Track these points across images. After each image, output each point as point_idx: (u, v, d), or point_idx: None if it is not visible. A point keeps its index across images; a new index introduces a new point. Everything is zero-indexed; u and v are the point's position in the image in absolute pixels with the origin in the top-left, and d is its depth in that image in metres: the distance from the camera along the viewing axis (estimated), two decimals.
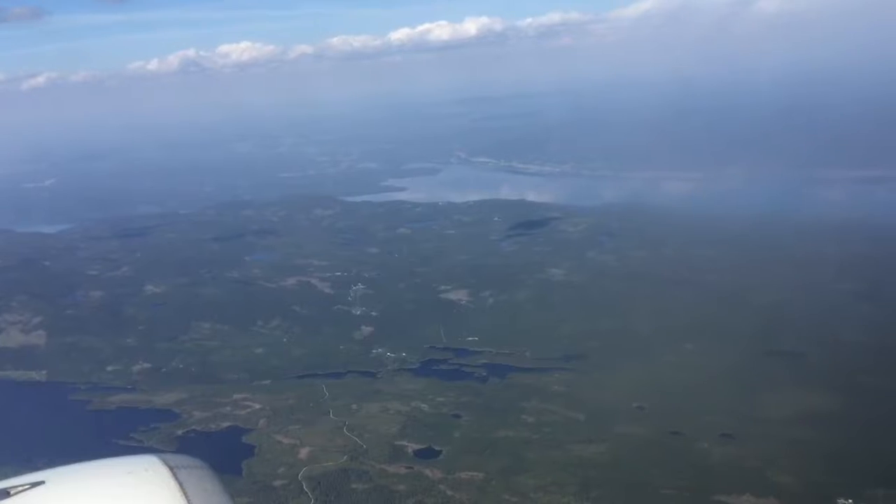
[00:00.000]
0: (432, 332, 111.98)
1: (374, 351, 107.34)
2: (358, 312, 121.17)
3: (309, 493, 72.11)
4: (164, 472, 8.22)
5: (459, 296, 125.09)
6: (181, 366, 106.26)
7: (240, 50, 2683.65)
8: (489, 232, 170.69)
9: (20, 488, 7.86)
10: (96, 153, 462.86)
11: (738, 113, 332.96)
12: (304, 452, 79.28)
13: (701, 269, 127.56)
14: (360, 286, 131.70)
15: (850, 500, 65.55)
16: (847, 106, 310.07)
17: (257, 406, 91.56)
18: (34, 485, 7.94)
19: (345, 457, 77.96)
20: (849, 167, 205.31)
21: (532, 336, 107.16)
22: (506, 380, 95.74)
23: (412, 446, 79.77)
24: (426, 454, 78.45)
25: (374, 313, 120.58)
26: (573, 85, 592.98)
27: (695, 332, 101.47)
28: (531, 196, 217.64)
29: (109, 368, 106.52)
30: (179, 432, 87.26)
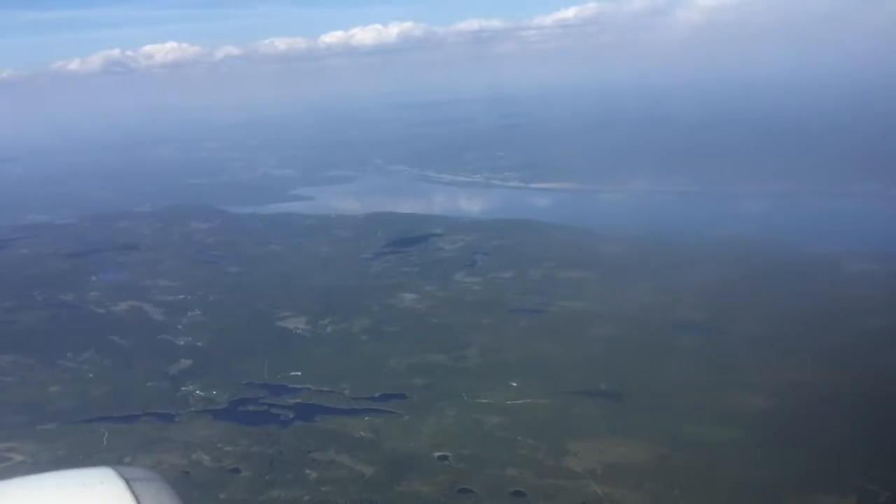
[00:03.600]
0: (256, 366, 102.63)
1: (183, 388, 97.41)
2: (182, 343, 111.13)
3: None
4: (119, 484, 8.08)
5: (297, 323, 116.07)
6: None
7: (164, 50, 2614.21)
8: (363, 249, 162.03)
9: None
10: (9, 156, 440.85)
11: (662, 123, 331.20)
12: None
13: (558, 295, 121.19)
14: (197, 312, 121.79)
15: None
16: (767, 117, 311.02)
17: (19, 458, 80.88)
18: None
19: None
20: (762, 181, 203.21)
21: (357, 371, 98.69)
22: (311, 423, 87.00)
23: None
24: None
25: (199, 343, 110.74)
26: (506, 91, 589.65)
27: (524, 368, 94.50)
28: (426, 208, 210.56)
29: None
30: None
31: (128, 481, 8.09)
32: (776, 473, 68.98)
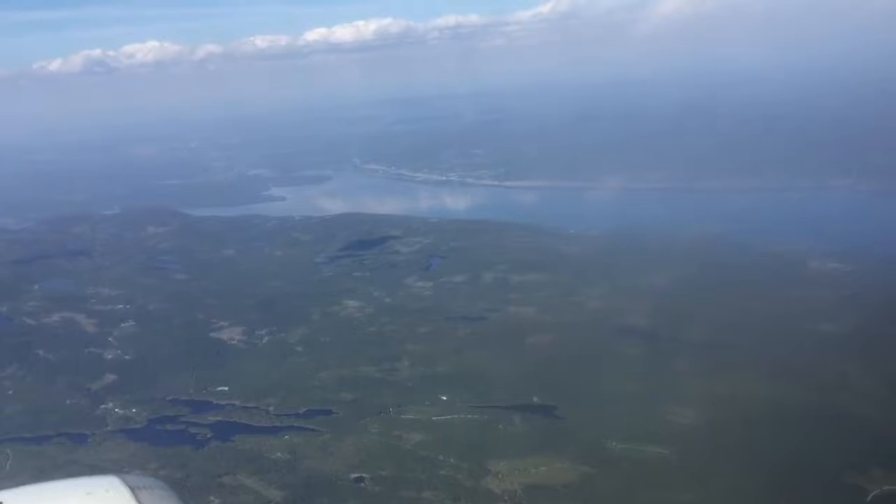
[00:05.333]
0: (183, 381, 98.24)
1: (102, 406, 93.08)
2: (110, 356, 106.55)
3: None
4: (124, 492, 8.11)
5: (233, 334, 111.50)
6: None
7: (145, 50, 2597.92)
8: (319, 253, 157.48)
9: None
10: None
11: (641, 118, 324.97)
12: None
13: (507, 301, 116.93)
14: (131, 323, 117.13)
15: None
16: (749, 111, 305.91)
17: None
18: None
19: None
20: (738, 177, 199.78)
21: (285, 385, 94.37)
22: (228, 443, 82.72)
23: None
24: None
25: (127, 357, 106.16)
26: (488, 87, 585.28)
27: (456, 380, 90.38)
28: (392, 209, 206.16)
29: None
30: None
31: (133, 489, 8.19)
32: (701, 494, 64.99)
